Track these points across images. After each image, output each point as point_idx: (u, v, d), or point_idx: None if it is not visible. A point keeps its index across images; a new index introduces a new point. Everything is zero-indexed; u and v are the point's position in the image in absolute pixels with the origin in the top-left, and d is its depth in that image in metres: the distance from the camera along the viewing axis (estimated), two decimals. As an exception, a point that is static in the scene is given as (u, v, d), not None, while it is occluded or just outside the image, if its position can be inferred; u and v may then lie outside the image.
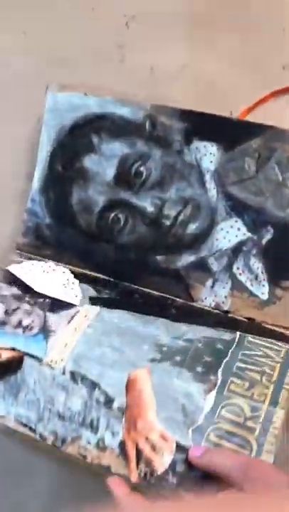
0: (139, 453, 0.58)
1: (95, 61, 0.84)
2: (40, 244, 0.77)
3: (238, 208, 0.70)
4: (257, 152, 0.70)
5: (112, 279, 0.74)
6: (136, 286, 0.73)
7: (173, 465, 0.57)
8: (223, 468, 0.53)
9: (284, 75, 0.77)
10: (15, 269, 0.75)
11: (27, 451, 0.69)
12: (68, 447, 0.60)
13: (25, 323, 0.70)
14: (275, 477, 0.51)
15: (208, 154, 0.71)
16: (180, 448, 0.57)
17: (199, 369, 0.63)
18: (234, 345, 0.65)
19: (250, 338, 0.66)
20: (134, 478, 0.57)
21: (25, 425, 0.62)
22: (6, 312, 0.71)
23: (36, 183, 0.77)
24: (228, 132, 0.71)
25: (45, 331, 0.69)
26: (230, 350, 0.65)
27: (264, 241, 0.69)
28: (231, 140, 0.71)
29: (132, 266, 0.74)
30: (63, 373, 0.65)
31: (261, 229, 0.69)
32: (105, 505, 0.53)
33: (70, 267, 0.76)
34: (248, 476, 0.51)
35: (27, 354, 0.67)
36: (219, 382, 0.61)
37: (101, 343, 0.67)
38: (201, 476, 0.56)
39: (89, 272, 0.75)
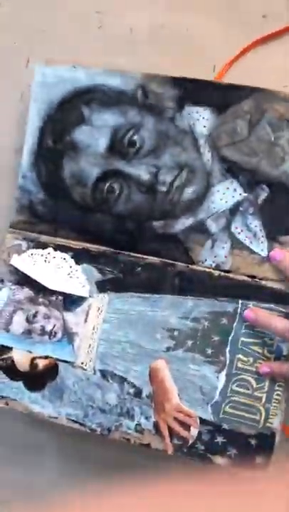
0: (170, 430, 0.69)
1: (72, 30, 0.81)
2: (36, 220, 0.77)
3: (232, 169, 0.72)
4: (248, 114, 0.70)
5: (111, 250, 0.75)
6: (136, 257, 0.74)
7: (199, 435, 0.69)
8: None
9: (264, 24, 0.76)
10: (17, 262, 0.75)
11: (33, 430, 0.78)
12: (113, 435, 0.70)
13: (48, 328, 0.73)
14: None
15: (200, 119, 0.71)
16: (203, 421, 0.69)
17: (209, 351, 0.70)
18: (237, 318, 0.70)
19: (251, 306, 0.70)
20: (169, 450, 0.69)
21: (75, 422, 0.71)
22: (28, 320, 0.73)
23: (26, 158, 0.75)
24: (219, 96, 0.71)
25: (68, 335, 0.73)
26: (234, 324, 0.70)
27: (260, 200, 0.71)
28: (222, 104, 0.71)
29: (129, 234, 0.75)
30: (94, 373, 0.71)
31: (256, 188, 0.71)
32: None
33: (68, 241, 0.76)
34: None
35: (58, 359, 0.72)
36: (228, 361, 0.70)
37: (119, 339, 0.72)
38: (222, 441, 0.68)
39: (87, 246, 0.75)
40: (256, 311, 0.69)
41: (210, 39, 0.77)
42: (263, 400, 0.69)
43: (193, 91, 0.71)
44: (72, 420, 0.71)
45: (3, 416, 0.79)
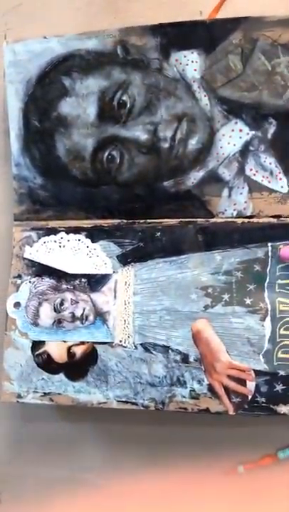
0: (226, 389, 0.66)
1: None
2: (40, 207, 0.73)
3: (234, 109, 0.68)
4: (239, 47, 0.66)
5: (125, 221, 0.72)
6: (152, 222, 0.71)
7: (257, 388, 0.66)
8: None
9: None
10: (31, 254, 0.72)
11: (73, 425, 0.77)
12: (169, 406, 0.68)
13: (78, 313, 0.70)
14: None
15: (189, 63, 0.67)
16: (258, 373, 0.66)
17: (248, 301, 0.67)
18: (269, 262, 0.67)
19: (282, 246, 0.67)
20: (231, 410, 0.66)
21: (126, 402, 0.69)
22: (55, 309, 0.71)
23: (15, 145, 0.72)
24: (203, 35, 0.67)
25: (101, 315, 0.70)
26: (268, 269, 0.67)
27: (269, 134, 0.68)
28: (209, 42, 0.67)
29: (141, 201, 0.71)
30: (136, 348, 0.69)
31: (263, 123, 0.68)
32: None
33: (78, 222, 0.73)
34: None
35: (96, 342, 0.70)
36: (269, 307, 0.67)
37: (154, 309, 0.69)
38: (282, 389, 0.66)
39: (100, 222, 0.72)
40: None
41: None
42: None
43: (176, 36, 0.67)
44: (123, 401, 0.69)
45: (37, 414, 0.78)
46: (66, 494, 0.77)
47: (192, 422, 0.72)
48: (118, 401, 0.69)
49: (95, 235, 0.72)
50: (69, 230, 0.73)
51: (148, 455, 0.75)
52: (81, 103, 0.69)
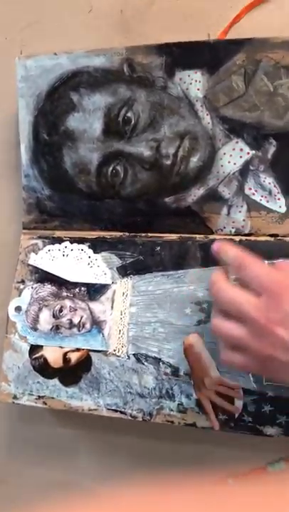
0: (214, 406, 0.59)
1: (62, 17, 0.72)
2: (47, 217, 0.68)
3: (235, 128, 0.61)
4: (242, 68, 0.59)
5: (127, 234, 0.65)
6: (153, 237, 0.64)
7: (245, 407, 0.58)
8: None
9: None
10: (36, 261, 0.67)
11: (70, 429, 0.70)
12: (156, 418, 0.60)
13: (75, 321, 0.64)
14: None
15: (193, 82, 0.61)
16: (246, 391, 0.58)
17: None
18: None
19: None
20: (216, 427, 0.58)
21: (116, 411, 0.62)
22: (54, 315, 0.65)
23: (25, 156, 0.66)
24: (208, 55, 0.60)
25: (97, 324, 0.64)
26: None
27: (269, 155, 0.60)
28: (213, 62, 0.60)
29: (143, 215, 0.65)
30: (128, 358, 0.62)
31: (264, 143, 0.60)
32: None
33: (83, 233, 0.67)
34: None
35: (91, 350, 0.64)
36: None
37: (149, 320, 0.63)
38: (270, 410, 0.58)
39: (103, 234, 0.66)
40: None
41: (201, 9, 0.67)
42: None
43: (180, 55, 0.61)
44: (113, 410, 0.62)
45: (34, 417, 0.71)
46: (60, 498, 0.70)
47: (183, 433, 0.65)
48: (108, 409, 0.62)
49: (97, 246, 0.66)
50: (73, 240, 0.67)
51: (140, 464, 0.67)
52: (88, 118, 0.63)
